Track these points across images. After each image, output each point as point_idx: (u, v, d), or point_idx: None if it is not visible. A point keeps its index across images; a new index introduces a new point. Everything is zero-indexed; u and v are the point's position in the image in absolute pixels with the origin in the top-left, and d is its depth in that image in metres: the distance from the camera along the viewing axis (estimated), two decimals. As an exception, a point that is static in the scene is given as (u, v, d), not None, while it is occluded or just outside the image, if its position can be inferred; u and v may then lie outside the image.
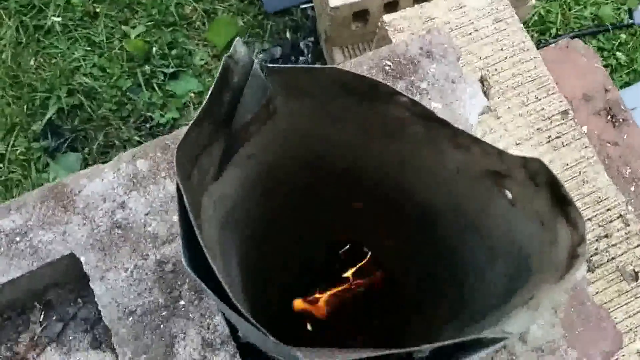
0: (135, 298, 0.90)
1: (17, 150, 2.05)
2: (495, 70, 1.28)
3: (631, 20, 2.44)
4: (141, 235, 0.93)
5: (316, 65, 0.90)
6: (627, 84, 2.30)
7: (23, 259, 0.91)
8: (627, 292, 1.22)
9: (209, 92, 0.66)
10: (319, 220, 1.24)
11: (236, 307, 0.59)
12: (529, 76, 1.29)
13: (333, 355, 0.62)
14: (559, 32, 2.40)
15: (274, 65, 0.68)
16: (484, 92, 1.25)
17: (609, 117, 1.53)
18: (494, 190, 0.79)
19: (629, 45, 2.40)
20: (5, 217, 0.93)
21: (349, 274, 1.34)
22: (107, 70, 2.18)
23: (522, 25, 1.31)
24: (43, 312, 1.00)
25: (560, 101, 1.28)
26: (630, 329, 1.21)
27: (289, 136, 0.86)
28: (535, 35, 2.38)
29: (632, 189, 1.48)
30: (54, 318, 1.00)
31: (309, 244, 1.37)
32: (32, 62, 2.18)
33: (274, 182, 0.95)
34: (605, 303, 1.20)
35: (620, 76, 2.34)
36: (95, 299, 0.90)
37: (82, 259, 0.91)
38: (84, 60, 2.19)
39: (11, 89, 2.13)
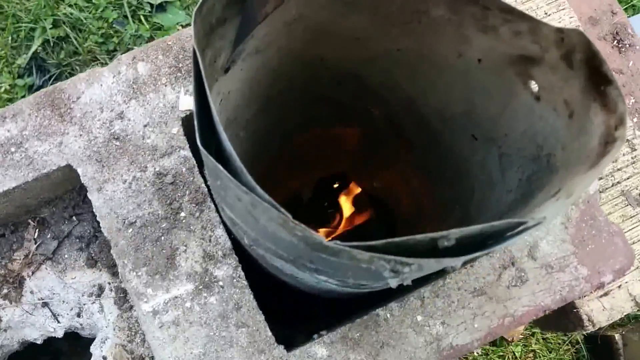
0: (134, 209, 0.88)
1: (1, 87, 2.00)
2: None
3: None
4: (140, 147, 0.91)
5: None
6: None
7: (18, 169, 0.89)
8: (631, 217, 1.21)
9: None
10: (314, 149, 1.23)
11: (254, 186, 0.57)
12: (536, -12, 1.26)
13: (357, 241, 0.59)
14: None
15: None
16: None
17: (615, 41, 1.51)
18: (517, 83, 0.76)
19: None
20: (0, 126, 0.91)
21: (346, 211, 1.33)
22: (93, 1, 2.13)
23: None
24: (37, 230, 0.99)
25: (571, 17, 1.26)
26: (634, 256, 1.20)
27: (296, 27, 0.83)
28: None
29: (635, 119, 1.46)
30: (48, 236, 0.99)
31: (299, 175, 1.36)
32: (17, -10, 2.12)
33: (273, 87, 0.92)
34: (609, 226, 1.20)
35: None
36: (94, 210, 0.88)
37: (79, 170, 0.89)
38: (74, -13, 2.14)
39: (-7, 20, 2.08)
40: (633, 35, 1.52)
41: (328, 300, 1.01)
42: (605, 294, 1.17)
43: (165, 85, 0.93)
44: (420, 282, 0.92)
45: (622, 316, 1.18)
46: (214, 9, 0.63)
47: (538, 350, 1.98)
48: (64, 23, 2.09)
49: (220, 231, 0.89)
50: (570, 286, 0.93)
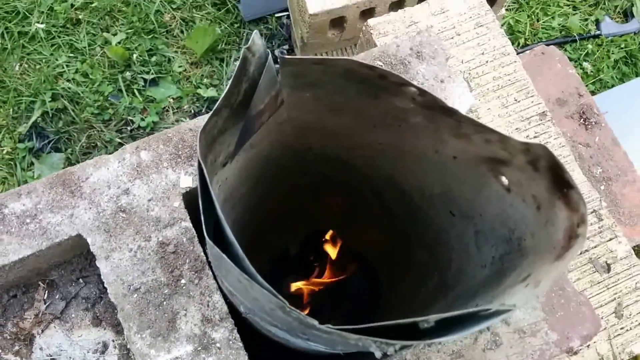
0: (139, 276, 0.95)
1: (3, 150, 2.10)
2: (477, 73, 1.36)
3: (598, 32, 2.55)
4: (144, 218, 0.98)
5: (329, 57, 0.96)
6: (592, 93, 2.40)
7: (33, 239, 0.96)
8: (599, 282, 1.30)
9: (229, 82, 0.71)
10: (301, 211, 1.31)
11: (254, 273, 0.65)
12: (509, 79, 1.36)
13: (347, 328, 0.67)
14: (527, 42, 2.50)
15: (288, 57, 0.75)
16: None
17: (582, 120, 1.62)
18: (489, 177, 0.85)
19: (595, 55, 2.52)
20: (16, 201, 0.98)
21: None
22: (90, 76, 2.24)
23: (502, 30, 1.38)
24: (47, 291, 1.05)
25: (539, 103, 1.36)
26: (602, 317, 1.28)
27: (288, 127, 0.92)
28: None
29: (602, 187, 1.56)
30: (57, 296, 1.06)
31: (287, 233, 1.43)
32: (17, 68, 2.22)
33: (265, 170, 1.01)
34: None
35: (587, 85, 2.44)
36: (102, 277, 0.95)
37: (89, 239, 0.96)
38: (67, 66, 2.24)
39: (-3, 94, 2.17)
40: (598, 114, 1.63)
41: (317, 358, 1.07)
42: (575, 353, 1.24)
43: (167, 168, 1.02)
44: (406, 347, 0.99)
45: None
46: (216, 124, 0.72)
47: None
48: (62, 96, 2.19)
49: (217, 297, 0.96)
50: (541, 350, 1.01)
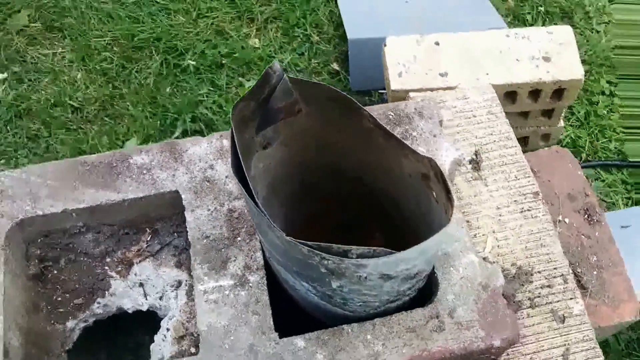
0: (210, 229, 1.40)
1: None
2: (487, 149, 1.73)
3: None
4: (221, 190, 1.44)
5: (314, 81, 1.36)
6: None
7: (146, 185, 1.43)
8: (555, 329, 1.62)
9: (255, 84, 1.10)
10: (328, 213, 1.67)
11: (256, 201, 1.05)
12: (511, 160, 1.73)
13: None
14: (589, 158, 2.81)
15: (294, 77, 1.13)
16: (477, 164, 1.71)
17: (586, 215, 1.95)
18: (429, 192, 1.23)
19: (647, 181, 2.78)
20: (138, 155, 1.47)
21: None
22: (224, 108, 2.77)
23: (507, 120, 1.76)
24: (150, 235, 1.51)
25: (533, 184, 1.72)
26: (552, 357, 1.60)
27: (309, 135, 1.30)
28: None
29: (595, 272, 1.89)
30: (156, 241, 1.51)
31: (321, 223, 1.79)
32: (168, 90, 2.79)
33: (300, 170, 1.38)
34: (538, 333, 1.61)
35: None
36: (186, 224, 1.40)
37: (183, 195, 1.43)
38: (207, 96, 2.79)
39: (150, 106, 2.75)
40: (600, 214, 1.96)
41: (319, 320, 1.46)
42: (497, 353, 1.56)
43: (241, 154, 1.47)
44: (378, 316, 1.37)
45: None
46: (246, 107, 1.12)
47: None
48: (200, 120, 2.72)
49: (259, 254, 1.39)
50: (471, 340, 1.35)
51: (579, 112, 2.94)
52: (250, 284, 1.37)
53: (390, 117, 1.56)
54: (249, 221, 1.41)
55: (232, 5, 3.00)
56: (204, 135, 2.63)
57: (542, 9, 3.32)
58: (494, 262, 1.47)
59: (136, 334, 1.70)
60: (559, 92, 2.49)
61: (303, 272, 1.17)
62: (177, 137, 2.68)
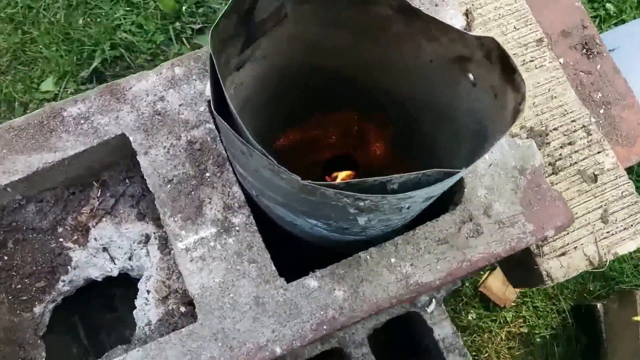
0: (171, 170, 1.10)
1: (68, 90, 2.29)
2: (480, 4, 1.44)
3: (622, -25, 2.57)
4: (175, 121, 1.13)
5: None
6: (614, 34, 2.44)
7: (86, 136, 1.12)
8: (586, 191, 1.38)
9: None
10: (318, 130, 1.43)
11: (249, 138, 0.78)
12: (509, 9, 1.45)
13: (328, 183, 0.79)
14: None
15: None
16: (469, 25, 1.41)
17: (585, 50, 1.69)
18: (460, 76, 0.96)
19: (618, -4, 2.55)
20: (72, 106, 1.14)
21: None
22: (144, 27, 2.40)
23: (500, -41, 1.46)
24: (100, 190, 1.21)
25: (536, 31, 1.44)
26: (589, 223, 1.37)
27: (294, 42, 1.05)
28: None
29: (602, 111, 1.64)
30: (108, 194, 1.22)
31: (309, 157, 1.56)
32: (80, 22, 2.40)
33: (280, 84, 1.14)
34: (568, 200, 1.37)
35: (609, 26, 2.48)
36: (142, 170, 1.10)
37: (131, 138, 1.12)
38: (124, 19, 2.41)
39: (63, 43, 2.36)
40: (601, 45, 1.70)
41: (324, 250, 1.20)
42: (563, 254, 1.34)
43: (195, 80, 1.16)
44: (396, 233, 1.11)
45: (577, 274, 1.34)
46: (226, 27, 0.85)
47: (528, 317, 2.14)
48: (119, 45, 2.36)
49: (236, 188, 1.10)
50: (518, 238, 1.12)
51: None
52: (237, 228, 1.09)
53: None
54: (214, 150, 1.12)
55: None
56: (125, 60, 2.37)
57: None
58: (525, 137, 1.20)
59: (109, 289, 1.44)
60: None
61: (317, 212, 0.89)
62: (95, 67, 2.35)
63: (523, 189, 1.15)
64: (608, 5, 2.52)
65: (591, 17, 2.54)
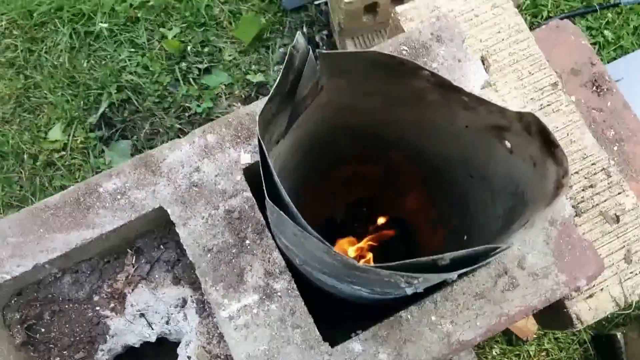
0: (211, 239, 1.11)
1: (77, 139, 2.28)
2: (494, 50, 1.46)
3: (617, 1, 2.60)
4: (213, 191, 1.14)
5: (357, 50, 1.10)
6: (614, 60, 2.47)
7: (124, 211, 1.12)
8: (609, 232, 1.41)
9: (280, 75, 0.86)
10: (345, 181, 1.45)
11: (306, 225, 0.79)
12: (523, 54, 1.47)
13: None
14: (550, 15, 2.57)
15: (325, 51, 0.88)
16: (486, 70, 1.43)
17: (595, 87, 1.71)
18: (495, 142, 0.98)
19: (615, 24, 2.58)
20: (108, 181, 1.14)
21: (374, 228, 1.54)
22: (150, 68, 2.40)
23: (516, 9, 1.48)
24: (134, 257, 1.22)
25: (550, 75, 1.46)
26: (613, 264, 1.39)
27: (327, 108, 1.06)
28: (529, 18, 2.57)
29: (615, 148, 1.66)
30: (143, 261, 1.22)
31: (335, 201, 1.57)
32: (85, 64, 2.40)
33: (313, 145, 1.15)
34: (592, 242, 1.39)
35: (608, 52, 2.52)
36: (181, 241, 1.11)
37: (169, 210, 1.12)
38: (129, 60, 2.41)
39: (69, 87, 2.36)
40: (610, 81, 1.73)
41: (361, 306, 1.21)
42: (590, 296, 1.36)
43: (229, 148, 1.16)
44: (434, 289, 1.13)
45: (606, 315, 1.36)
46: (270, 109, 0.86)
47: (550, 349, 2.16)
48: (126, 88, 2.36)
49: (276, 254, 1.11)
50: (552, 290, 1.13)
51: (541, -32, 2.66)
52: (279, 293, 1.09)
53: (405, 52, 1.25)
54: (252, 218, 1.12)
55: (129, -55, 2.56)
56: (132, 103, 2.38)
57: None
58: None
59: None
60: None
61: (363, 282, 0.90)
62: (103, 113, 2.35)
63: (554, 239, 1.16)
64: (606, 32, 2.56)
65: (590, 44, 2.57)
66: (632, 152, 1.68)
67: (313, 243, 0.81)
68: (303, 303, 1.09)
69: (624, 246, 1.41)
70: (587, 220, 1.41)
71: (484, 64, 1.44)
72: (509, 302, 1.12)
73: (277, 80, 0.85)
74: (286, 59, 0.85)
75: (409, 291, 0.90)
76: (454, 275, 0.86)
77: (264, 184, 0.82)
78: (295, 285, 1.10)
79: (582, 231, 1.38)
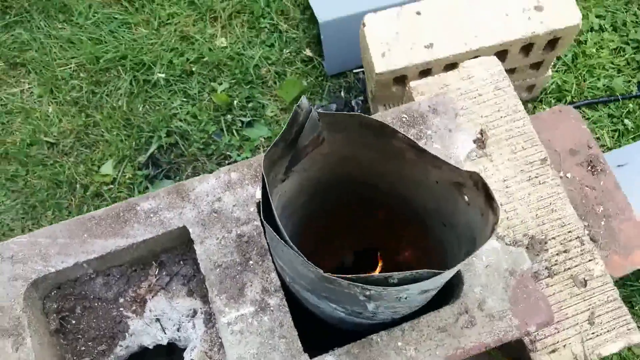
0: (221, 257, 1.38)
1: (125, 175, 2.61)
2: (493, 125, 1.71)
3: (639, 92, 2.84)
4: (229, 218, 1.41)
5: (346, 112, 1.38)
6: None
7: (154, 227, 1.41)
8: (577, 295, 1.61)
9: (285, 126, 1.13)
10: (350, 227, 1.70)
11: (289, 243, 1.05)
12: (518, 131, 1.71)
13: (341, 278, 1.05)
14: (574, 100, 2.81)
15: (323, 111, 1.16)
16: (483, 142, 1.68)
17: (590, 167, 1.95)
18: (458, 195, 1.23)
19: (636, 114, 2.81)
20: (145, 202, 1.44)
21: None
22: (198, 117, 2.73)
23: (515, 92, 1.74)
24: (158, 269, 1.49)
25: (541, 151, 1.70)
26: (577, 323, 1.60)
27: (330, 158, 1.32)
28: (553, 101, 2.80)
29: (603, 223, 1.89)
30: (164, 273, 1.49)
31: (342, 248, 1.83)
32: (140, 109, 2.74)
33: (316, 189, 1.42)
34: (560, 302, 1.60)
35: (627, 140, 2.73)
36: (197, 256, 1.38)
37: (190, 230, 1.40)
38: (180, 108, 2.74)
39: (124, 128, 2.70)
40: (604, 164, 1.96)
41: (343, 331, 1.45)
42: (554, 351, 1.56)
43: (248, 185, 1.44)
44: (405, 319, 1.36)
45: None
46: (275, 152, 1.14)
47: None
48: (175, 133, 2.68)
49: (274, 274, 1.37)
50: (505, 331, 1.35)
51: (565, 56, 2.90)
52: (271, 308, 1.35)
53: (404, 119, 1.53)
54: (258, 243, 1.39)
55: (193, 6, 2.93)
56: (179, 148, 2.69)
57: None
58: (518, 245, 1.45)
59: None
60: (552, 41, 2.39)
61: (335, 297, 1.15)
62: (152, 153, 2.67)
63: (512, 288, 1.39)
64: (626, 121, 2.78)
65: (611, 130, 2.80)
66: (618, 228, 1.90)
67: (292, 255, 1.06)
68: (291, 318, 1.34)
69: (589, 309, 1.62)
70: (558, 281, 1.62)
71: (482, 136, 1.69)
72: (466, 337, 1.34)
73: (283, 131, 1.12)
74: (292, 115, 1.12)
75: (370, 307, 1.14)
76: (402, 293, 1.10)
77: (261, 209, 1.09)
78: (286, 303, 1.35)
79: (553, 291, 1.61)
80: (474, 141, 1.67)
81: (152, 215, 1.42)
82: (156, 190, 1.46)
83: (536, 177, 1.69)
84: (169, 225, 1.41)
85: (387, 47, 2.25)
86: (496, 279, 1.39)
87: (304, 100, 1.14)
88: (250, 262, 1.38)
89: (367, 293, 1.06)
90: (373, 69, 2.25)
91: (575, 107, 2.81)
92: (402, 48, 2.25)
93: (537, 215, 1.65)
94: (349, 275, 1.04)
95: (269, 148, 1.11)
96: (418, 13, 2.31)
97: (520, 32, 2.27)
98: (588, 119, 2.79)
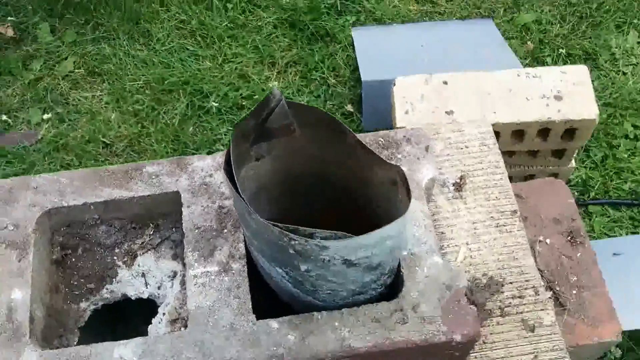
0: (202, 221, 1.65)
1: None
2: (473, 174, 1.94)
3: (661, 198, 3.00)
4: (215, 191, 1.69)
5: (307, 105, 1.60)
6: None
7: (153, 187, 1.71)
8: (525, 337, 1.79)
9: (256, 106, 1.39)
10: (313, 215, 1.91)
11: (238, 190, 1.31)
12: (495, 183, 1.94)
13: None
14: (597, 197, 2.98)
15: (289, 101, 1.40)
16: (460, 186, 1.92)
17: (570, 237, 2.13)
18: (396, 194, 1.47)
19: (657, 222, 2.96)
20: (150, 166, 1.74)
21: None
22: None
23: (499, 150, 1.98)
24: (153, 230, 1.77)
25: (513, 204, 1.92)
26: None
27: (302, 152, 1.55)
28: (576, 193, 2.99)
29: (574, 292, 2.06)
30: (157, 235, 1.77)
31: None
32: (190, 129, 3.10)
33: (293, 183, 1.66)
34: (507, 340, 1.78)
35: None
36: (182, 217, 1.66)
37: (182, 195, 1.69)
38: (225, 135, 3.08)
39: (172, 143, 3.06)
40: (584, 237, 2.14)
41: (295, 311, 1.67)
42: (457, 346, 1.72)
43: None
44: (347, 306, 1.58)
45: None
46: (246, 125, 1.39)
47: None
48: (216, 155, 3.00)
49: (241, 244, 1.63)
50: (433, 334, 1.55)
51: (595, 155, 3.09)
52: (233, 271, 1.60)
53: (380, 142, 1.80)
54: (235, 216, 1.66)
55: (256, 51, 3.32)
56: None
57: (562, 51, 3.46)
58: (458, 265, 1.67)
59: (135, 321, 1.93)
60: (570, 132, 2.61)
61: (275, 254, 1.39)
62: (195, 170, 2.98)
63: (446, 300, 1.58)
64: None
65: (630, 232, 2.95)
66: (589, 301, 2.06)
67: (242, 205, 1.31)
68: (247, 283, 1.58)
69: (534, 352, 1.78)
70: (508, 322, 1.80)
71: (461, 180, 1.93)
72: (397, 332, 1.54)
73: (255, 109, 1.37)
74: (264, 99, 1.37)
75: (302, 267, 1.38)
76: (324, 252, 1.30)
77: (223, 171, 1.35)
78: (246, 269, 1.60)
79: (502, 330, 1.79)
80: (453, 184, 1.91)
81: (154, 177, 1.72)
82: (162, 159, 1.75)
83: (504, 225, 1.89)
84: (165, 188, 1.71)
85: (411, 107, 2.54)
86: (433, 289, 1.60)
87: (275, 90, 1.38)
88: (225, 230, 1.64)
89: (294, 244, 1.29)
90: (396, 123, 2.53)
91: (598, 204, 2.99)
92: (425, 109, 2.54)
93: (499, 259, 1.85)
94: (281, 224, 1.24)
95: (240, 120, 1.38)
96: (445, 82, 2.60)
97: (536, 116, 2.52)
98: (609, 217, 2.95)
